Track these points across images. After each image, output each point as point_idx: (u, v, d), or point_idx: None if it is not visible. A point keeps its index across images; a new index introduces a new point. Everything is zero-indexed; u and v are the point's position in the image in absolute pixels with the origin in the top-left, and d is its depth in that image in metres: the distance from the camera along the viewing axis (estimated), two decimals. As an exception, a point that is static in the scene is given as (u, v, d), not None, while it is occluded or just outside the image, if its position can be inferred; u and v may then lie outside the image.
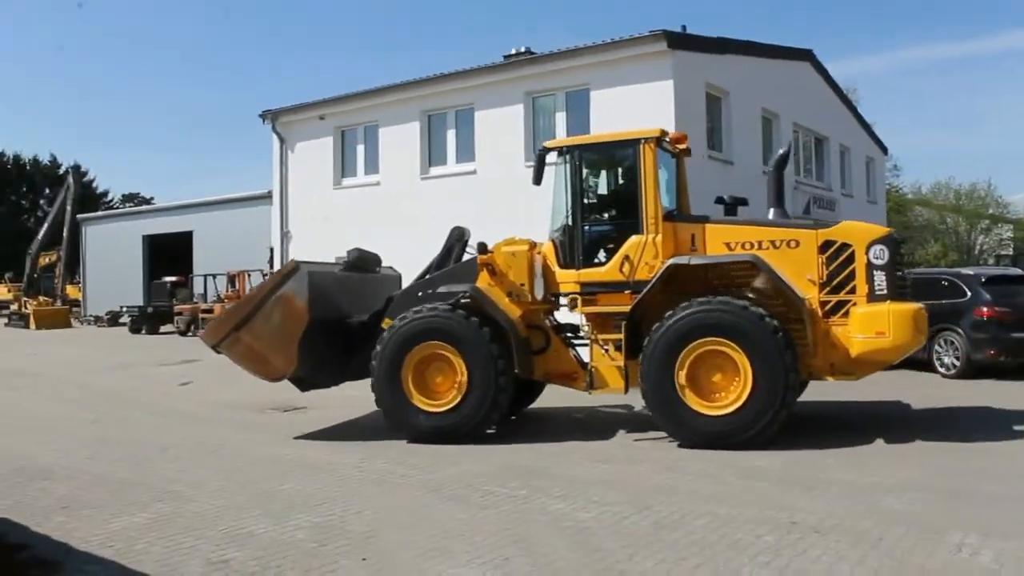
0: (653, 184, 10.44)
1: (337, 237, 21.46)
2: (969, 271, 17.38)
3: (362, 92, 21.68)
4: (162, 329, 36.68)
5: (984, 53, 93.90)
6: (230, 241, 36.82)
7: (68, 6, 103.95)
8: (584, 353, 11.10)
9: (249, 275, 33.98)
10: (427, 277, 11.77)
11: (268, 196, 25.63)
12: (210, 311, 33.16)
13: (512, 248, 11.02)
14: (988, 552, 5.85)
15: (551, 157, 11.05)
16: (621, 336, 10.33)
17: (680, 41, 16.67)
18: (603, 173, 11.69)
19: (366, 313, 11.68)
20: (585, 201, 11.02)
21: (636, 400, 10.86)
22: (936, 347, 15.82)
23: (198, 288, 37.37)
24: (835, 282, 10.08)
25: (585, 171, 11.10)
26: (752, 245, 10.33)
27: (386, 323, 11.02)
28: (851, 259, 10.05)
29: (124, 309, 39.78)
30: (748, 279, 10.45)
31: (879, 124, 39.07)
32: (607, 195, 11.62)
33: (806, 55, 23.53)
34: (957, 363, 15.51)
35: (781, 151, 11.76)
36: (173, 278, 39.22)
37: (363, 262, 12.58)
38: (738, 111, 18.84)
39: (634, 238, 10.47)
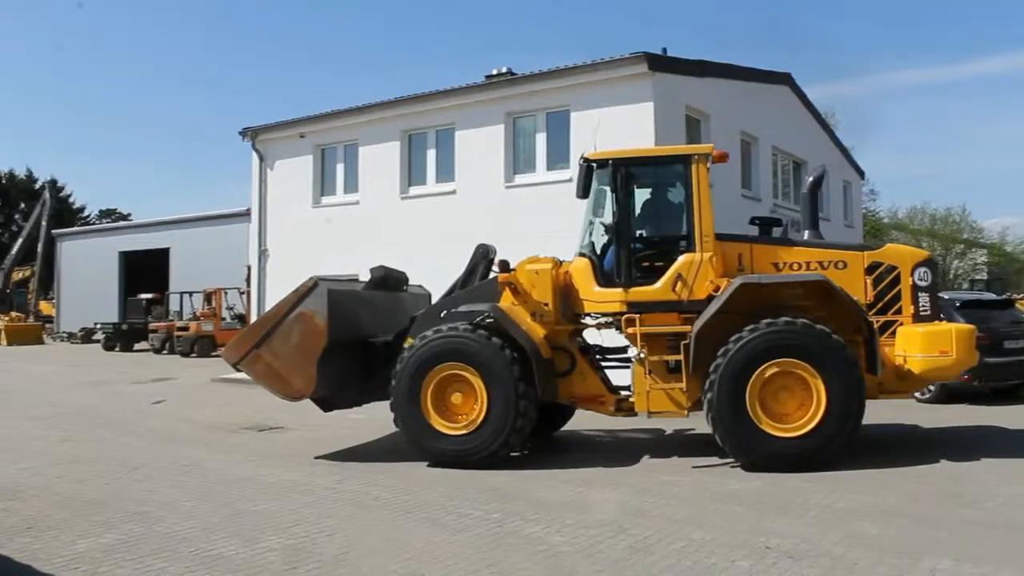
0: (707, 201, 10.33)
1: (315, 256, 21.41)
2: (944, 296, 17.42)
3: (342, 111, 21.65)
4: (137, 347, 36.38)
5: (960, 79, 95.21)
6: (207, 258, 36.67)
7: (68, 6, 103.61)
8: (613, 376, 10.94)
9: (226, 293, 33.85)
10: (452, 296, 11.54)
11: (247, 214, 25.51)
12: (186, 329, 32.98)
13: (536, 266, 10.74)
14: (960, 579, 5.83)
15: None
16: (676, 357, 10.06)
17: (661, 63, 16.74)
18: (650, 189, 11.24)
19: (391, 332, 11.41)
20: (632, 218, 10.72)
21: (648, 423, 10.80)
22: (911, 372, 15.82)
23: (174, 306, 37.17)
24: (882, 303, 10.27)
25: (632, 186, 10.72)
26: (800, 266, 10.38)
27: (408, 343, 10.74)
28: (897, 280, 10.33)
29: (98, 326, 39.43)
30: (802, 299, 10.15)
31: (856, 148, 39.42)
32: (655, 212, 11.18)
33: (785, 79, 23.70)
34: (932, 388, 15.48)
35: (816, 174, 11.65)
36: (149, 295, 38.95)
37: (388, 280, 12.34)
38: (718, 133, 18.89)
39: (687, 256, 10.25)
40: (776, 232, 11.31)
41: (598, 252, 10.80)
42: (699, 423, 11.49)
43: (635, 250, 10.54)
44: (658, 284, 10.29)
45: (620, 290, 10.39)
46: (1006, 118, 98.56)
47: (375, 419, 12.16)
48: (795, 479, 9.10)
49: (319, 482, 9.43)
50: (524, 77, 18.71)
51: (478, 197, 18.54)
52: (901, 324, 10.20)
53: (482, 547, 6.79)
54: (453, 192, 19.21)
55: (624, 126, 16.33)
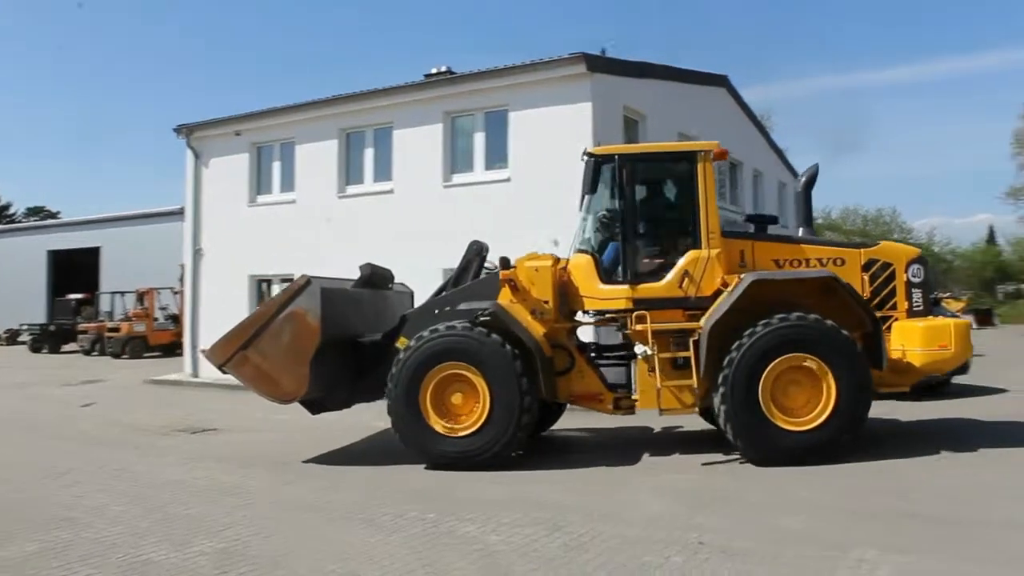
0: (712, 198, 10.35)
1: (251, 255, 21.13)
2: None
3: (279, 108, 21.34)
4: (65, 348, 35.48)
5: (893, 83, 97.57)
6: (140, 258, 35.96)
7: (69, 6, 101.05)
8: (610, 373, 10.80)
9: (159, 293, 33.21)
10: (444, 294, 11.25)
11: (180, 212, 25.03)
12: (117, 330, 32.29)
13: (535, 263, 10.57)
14: (886, 567, 5.96)
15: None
16: (686, 354, 9.99)
17: (599, 64, 16.81)
18: (655, 185, 11.16)
19: (377, 331, 11.15)
20: (637, 214, 10.61)
21: (629, 421, 10.78)
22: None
23: (105, 306, 36.33)
24: (878, 299, 10.47)
25: (637, 182, 10.63)
26: (800, 262, 10.54)
27: (402, 342, 10.46)
28: (892, 277, 10.58)
29: (24, 327, 38.39)
30: (806, 296, 10.14)
31: (790, 150, 40.09)
32: (660, 208, 11.11)
33: (722, 81, 24.02)
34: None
35: (809, 171, 11.66)
36: (78, 295, 38.05)
37: (375, 278, 12.02)
38: (655, 134, 19.03)
39: (693, 253, 10.27)
40: (771, 229, 11.39)
41: (598, 249, 10.69)
42: (687, 421, 11.81)
43: (640, 246, 10.50)
44: (665, 281, 10.27)
45: (627, 287, 10.31)
46: (932, 122, 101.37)
47: (311, 420, 12.01)
48: (731, 474, 9.25)
49: (253, 484, 9.30)
50: (463, 76, 18.65)
51: (416, 196, 18.42)
52: (896, 319, 10.47)
53: (417, 547, 6.76)
54: (391, 191, 19.06)
55: (562, 126, 16.39)
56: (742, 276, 9.95)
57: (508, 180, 17.22)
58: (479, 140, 18.05)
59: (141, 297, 33.47)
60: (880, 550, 6.33)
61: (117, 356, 31.28)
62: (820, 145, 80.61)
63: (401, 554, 6.58)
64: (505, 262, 10.49)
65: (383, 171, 19.46)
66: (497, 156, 17.65)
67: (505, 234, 16.62)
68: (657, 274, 10.33)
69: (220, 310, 21.69)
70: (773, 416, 9.54)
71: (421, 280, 17.57)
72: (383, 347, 10.85)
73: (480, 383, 9.88)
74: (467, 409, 9.99)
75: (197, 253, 22.83)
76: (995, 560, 6.09)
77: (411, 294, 13.03)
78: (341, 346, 10.69)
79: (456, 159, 18.34)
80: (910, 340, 10.23)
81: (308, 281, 10.39)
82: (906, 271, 10.62)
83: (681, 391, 10.12)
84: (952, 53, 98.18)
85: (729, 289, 9.92)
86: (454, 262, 17.30)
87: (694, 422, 11.72)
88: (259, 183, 21.99)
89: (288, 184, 21.24)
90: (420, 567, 6.25)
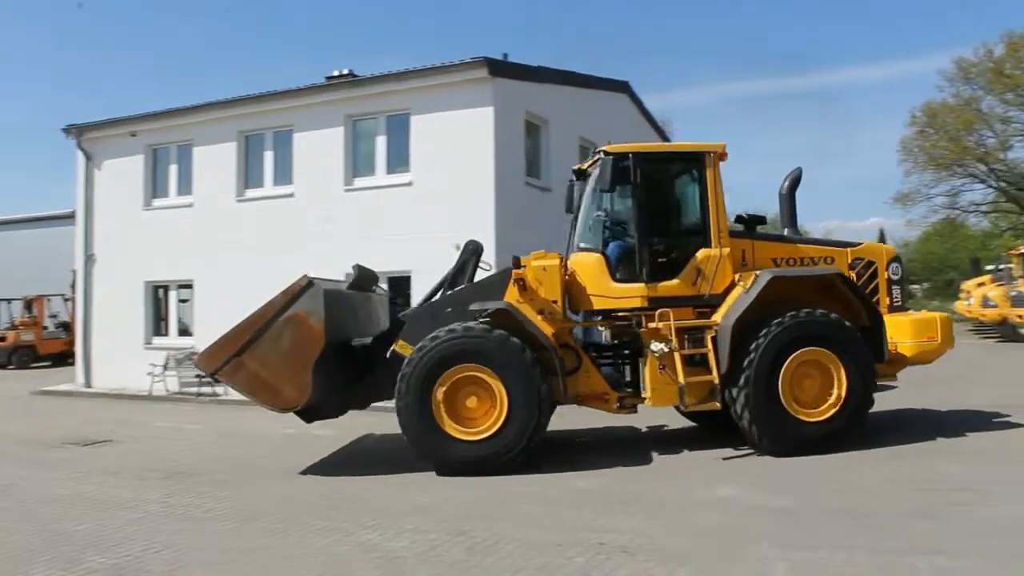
0: (721, 198, 10.55)
1: (146, 260, 20.53)
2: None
3: (176, 109, 20.77)
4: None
5: (780, 91, 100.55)
6: (27, 263, 34.51)
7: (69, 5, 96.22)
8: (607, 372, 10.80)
9: (49, 300, 32.00)
10: (446, 294, 10.96)
11: (71, 216, 24.16)
12: (3, 339, 31.02)
13: (543, 262, 10.44)
14: (784, 563, 6.13)
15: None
16: (703, 351, 10.14)
17: (501, 69, 16.90)
18: (666, 184, 11.16)
19: (366, 335, 10.83)
20: (651, 212, 10.58)
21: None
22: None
23: (-10, 314, 34.78)
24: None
25: (649, 181, 10.58)
26: (795, 261, 10.89)
27: (401, 346, 10.24)
28: (875, 275, 11.13)
29: None
30: (809, 292, 10.45)
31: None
32: (672, 207, 11.14)
33: (623, 87, 24.36)
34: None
35: (793, 174, 11.80)
36: (-39, 304, 36.33)
37: (364, 280, 11.57)
38: (556, 139, 19.27)
39: (705, 251, 10.44)
40: (760, 229, 11.68)
41: (609, 247, 10.66)
42: (672, 420, 12.07)
43: (655, 244, 10.49)
44: (678, 279, 10.39)
45: (642, 285, 10.33)
46: (825, 128, 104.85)
47: (220, 429, 11.77)
48: (638, 473, 9.40)
49: (149, 496, 9.07)
50: (365, 79, 18.49)
51: (317, 200, 18.17)
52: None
53: (319, 555, 6.70)
54: (291, 195, 18.76)
55: (464, 130, 16.46)
56: (757, 274, 10.20)
57: (410, 184, 17.16)
58: (381, 143, 17.91)
59: (29, 304, 32.17)
60: (781, 547, 6.50)
61: (3, 367, 30.04)
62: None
63: (304, 563, 6.51)
64: (516, 261, 10.39)
65: (283, 174, 19.12)
66: (399, 160, 17.55)
67: (407, 238, 16.64)
68: (671, 272, 10.45)
69: (114, 317, 21.11)
70: (792, 408, 9.90)
71: (323, 285, 17.49)
72: (373, 351, 10.66)
73: (497, 385, 9.67)
74: (482, 412, 9.76)
75: (89, 258, 22.04)
76: (891, 551, 6.29)
77: (388, 297, 12.56)
78: (338, 350, 10.29)
79: (358, 162, 18.17)
80: (900, 333, 10.77)
81: (310, 282, 9.94)
82: (887, 268, 11.23)
83: (701, 387, 10.18)
84: (854, 63, 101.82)
85: (747, 286, 10.17)
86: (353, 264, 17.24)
87: (676, 419, 12.14)
88: (155, 186, 21.35)
89: (185, 187, 20.69)
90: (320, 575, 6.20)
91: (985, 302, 28.15)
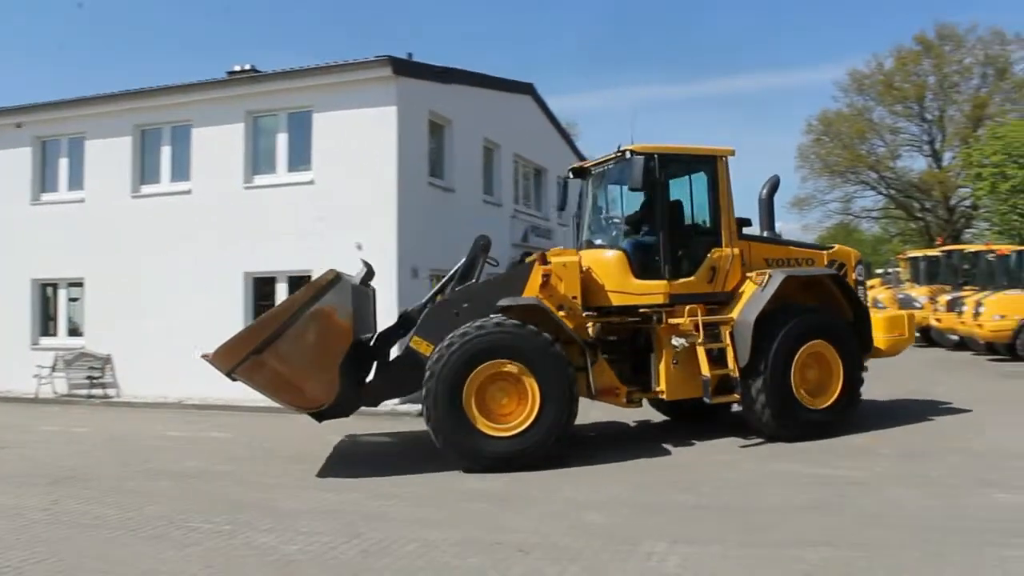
0: (731, 200, 11.23)
1: (33, 258, 19.72)
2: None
3: (67, 101, 19.98)
4: None
5: (684, 97, 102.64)
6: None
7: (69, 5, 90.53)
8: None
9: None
10: (455, 290, 10.82)
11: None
12: None
13: (563, 259, 10.56)
14: (674, 558, 6.28)
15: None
16: (721, 345, 10.62)
17: (405, 68, 16.80)
18: (683, 185, 11.47)
19: (365, 331, 10.58)
20: (674, 211, 11.13)
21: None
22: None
23: None
24: None
25: (670, 181, 11.11)
26: (784, 262, 11.60)
27: (417, 343, 10.13)
28: (845, 275, 11.83)
29: None
30: (800, 290, 11.28)
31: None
32: (689, 206, 11.44)
33: (528, 89, 24.51)
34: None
35: (771, 181, 12.39)
36: None
37: (371, 276, 11.23)
38: (460, 140, 19.26)
39: (718, 251, 11.05)
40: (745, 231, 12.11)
41: (630, 244, 11.02)
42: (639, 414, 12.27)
43: (675, 242, 10.88)
44: (695, 276, 10.93)
45: (664, 282, 10.69)
46: (726, 134, 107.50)
47: (100, 431, 11.41)
48: (536, 474, 9.45)
49: (30, 504, 8.71)
50: (267, 75, 18.15)
51: (216, 197, 17.73)
52: None
53: (211, 560, 6.57)
54: (189, 192, 18.26)
55: (367, 129, 16.33)
56: (771, 273, 10.97)
57: (312, 183, 16.91)
58: (282, 141, 17.61)
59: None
60: (670, 542, 6.66)
61: None
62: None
63: (192, 569, 6.37)
64: (543, 257, 10.45)
65: (181, 170, 18.59)
66: (301, 158, 17.28)
67: (308, 237, 16.42)
68: (688, 270, 10.94)
69: (-2, 316, 20.22)
70: (800, 396, 10.68)
71: (223, 283, 17.10)
72: (377, 348, 10.68)
73: (529, 380, 9.69)
74: (512, 408, 9.77)
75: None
76: (775, 543, 6.54)
77: (374, 291, 12.12)
78: (355, 347, 10.03)
79: (258, 160, 17.82)
80: (875, 328, 11.75)
81: (337, 276, 9.66)
82: (854, 270, 12.01)
83: (718, 380, 10.64)
84: (760, 70, 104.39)
85: (762, 284, 10.87)
86: (256, 265, 16.97)
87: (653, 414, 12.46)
88: (44, 180, 20.51)
89: (77, 182, 19.90)
90: (210, 582, 6.08)
91: (875, 303, 29.22)
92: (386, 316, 11.96)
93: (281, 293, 17.08)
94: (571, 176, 12.21)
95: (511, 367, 9.70)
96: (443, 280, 11.44)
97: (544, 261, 10.38)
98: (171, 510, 8.26)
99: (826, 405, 10.83)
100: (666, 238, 10.81)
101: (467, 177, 19.66)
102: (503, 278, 10.91)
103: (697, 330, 10.51)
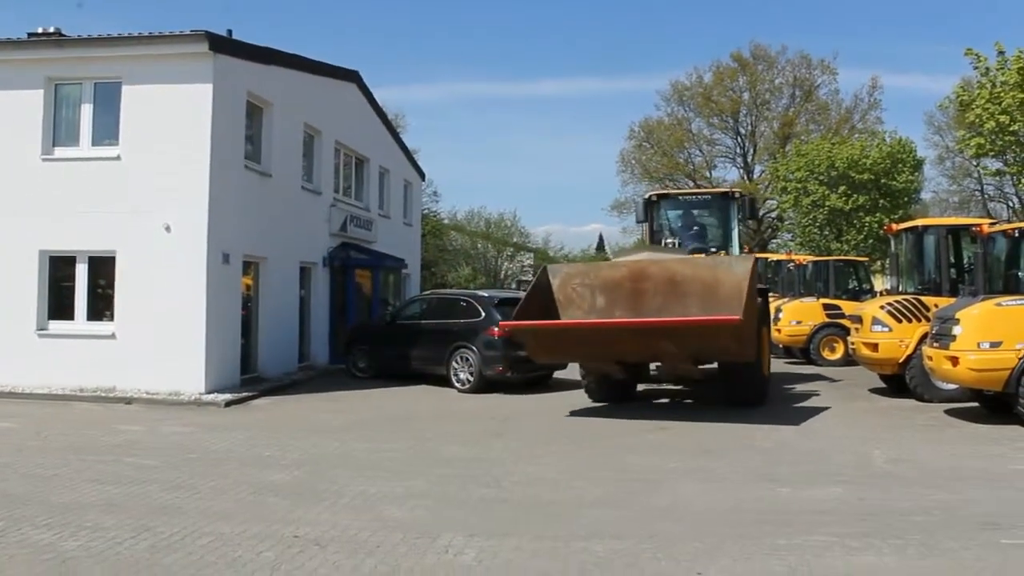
0: None
1: None
2: (484, 293, 18.75)
3: None
4: None
5: (515, 96, 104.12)
6: None
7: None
8: None
9: None
10: None
11: None
12: None
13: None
14: (471, 551, 6.34)
15: None
16: None
17: (223, 45, 16.10)
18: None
19: None
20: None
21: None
22: (454, 364, 16.93)
23: None
24: None
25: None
26: None
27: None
28: None
29: None
30: None
31: (420, 152, 41.48)
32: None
33: (353, 76, 24.14)
34: (472, 379, 16.69)
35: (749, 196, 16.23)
36: None
37: None
38: (280, 124, 18.70)
39: None
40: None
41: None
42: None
43: None
44: None
45: None
46: (553, 136, 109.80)
47: None
48: (332, 466, 9.33)
49: None
50: (72, 40, 16.94)
51: (9, 170, 16.35)
52: None
53: (-24, 560, 6.09)
54: (-23, 161, 16.83)
55: (180, 106, 15.55)
56: None
57: (118, 158, 15.93)
58: (87, 112, 16.47)
59: None
60: (468, 535, 6.71)
61: None
62: (453, 150, 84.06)
63: (-47, 570, 5.89)
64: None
65: (-33, 138, 17.12)
66: (107, 131, 16.24)
67: (112, 216, 15.53)
68: None
69: None
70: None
71: (14, 262, 15.90)
72: None
73: None
74: None
75: None
76: (568, 536, 6.69)
77: None
78: None
79: (60, 131, 16.62)
80: None
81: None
82: None
83: None
84: (593, 74, 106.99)
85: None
86: (54, 242, 15.80)
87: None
88: None
89: None
90: (-28, 583, 5.65)
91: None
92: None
93: (81, 274, 16.08)
94: (654, 199, 17.14)
95: None
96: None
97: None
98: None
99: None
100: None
101: (286, 162, 19.13)
102: None
103: None
